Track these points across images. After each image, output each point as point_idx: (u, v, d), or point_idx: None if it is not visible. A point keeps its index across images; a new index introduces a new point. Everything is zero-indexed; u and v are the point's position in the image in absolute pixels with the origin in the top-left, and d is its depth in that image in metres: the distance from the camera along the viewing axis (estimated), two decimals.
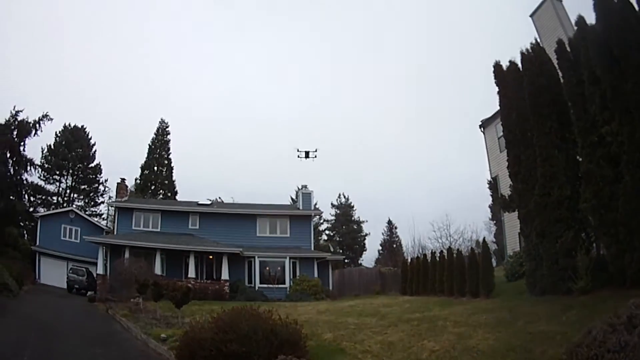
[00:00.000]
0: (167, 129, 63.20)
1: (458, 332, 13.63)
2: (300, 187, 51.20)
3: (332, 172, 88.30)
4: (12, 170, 42.39)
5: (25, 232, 47.25)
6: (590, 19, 15.50)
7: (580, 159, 16.03)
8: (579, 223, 16.10)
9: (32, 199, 53.45)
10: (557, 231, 16.31)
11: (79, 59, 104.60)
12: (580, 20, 15.96)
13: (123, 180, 44.05)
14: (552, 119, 17.41)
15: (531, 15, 26.03)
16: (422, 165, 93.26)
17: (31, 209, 50.84)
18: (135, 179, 59.09)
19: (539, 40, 20.61)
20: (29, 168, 44.37)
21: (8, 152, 41.21)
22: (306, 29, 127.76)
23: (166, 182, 60.51)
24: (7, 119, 41.56)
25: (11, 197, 42.33)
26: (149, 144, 61.92)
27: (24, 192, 48.69)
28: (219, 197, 56.44)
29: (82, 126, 60.01)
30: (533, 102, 18.15)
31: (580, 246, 15.86)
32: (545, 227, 16.83)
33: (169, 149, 62.69)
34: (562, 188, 16.50)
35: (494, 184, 33.51)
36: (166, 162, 61.77)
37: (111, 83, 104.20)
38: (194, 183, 75.68)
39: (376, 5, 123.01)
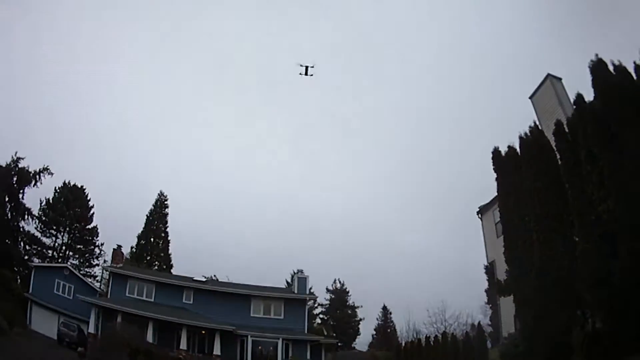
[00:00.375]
0: (165, 202, 63.39)
1: None
2: (296, 272, 50.97)
3: (328, 257, 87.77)
4: (9, 215, 42.29)
5: (18, 277, 46.08)
6: (590, 94, 15.90)
7: (577, 239, 16.02)
8: (575, 301, 15.84)
9: (27, 247, 52.14)
10: (553, 312, 16.02)
11: (87, 120, 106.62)
12: (579, 98, 16.30)
13: (120, 247, 44.26)
14: (549, 202, 17.43)
15: (530, 97, 26.10)
16: (419, 252, 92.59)
17: (26, 257, 50.05)
18: (131, 247, 58.83)
19: (538, 121, 20.96)
20: (26, 216, 44.40)
21: (7, 196, 41.33)
22: (310, 120, 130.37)
23: (162, 254, 60.05)
24: (8, 163, 41.85)
25: (7, 241, 42.08)
26: (147, 215, 61.79)
27: (20, 239, 48.11)
28: (214, 275, 56.23)
29: (82, 186, 59.80)
30: (531, 187, 18.29)
31: (576, 323, 15.64)
32: (541, 308, 16.58)
33: (166, 222, 62.53)
34: (559, 269, 16.25)
35: (490, 269, 33.32)
36: (163, 235, 61.45)
37: (115, 149, 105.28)
38: (189, 258, 75.10)
39: (374, 89, 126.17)
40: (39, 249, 55.18)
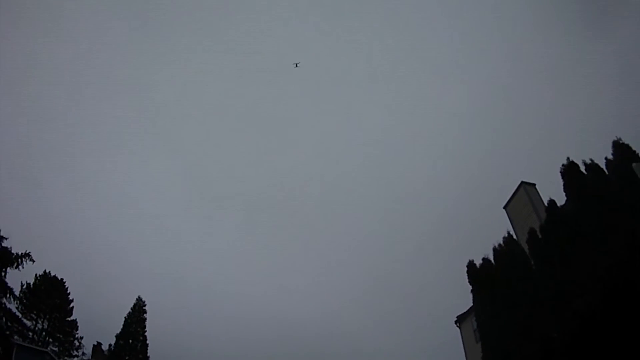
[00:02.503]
0: (144, 307, 63.88)
1: None
2: None
3: None
4: None
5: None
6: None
7: (555, 335, 16.43)
8: None
9: (9, 323, 51.01)
10: None
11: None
12: (551, 204, 17.67)
13: (100, 344, 44.25)
14: (523, 309, 18.08)
15: (505, 207, 26.66)
16: None
17: (7, 332, 48.83)
18: (110, 345, 58.48)
19: (512, 229, 22.15)
20: (8, 295, 43.98)
21: None
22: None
23: (140, 356, 59.58)
24: None
25: None
26: (125, 317, 61.78)
27: (1, 314, 47.37)
28: None
29: (62, 279, 60.09)
30: (506, 294, 19.13)
31: None
32: None
33: (144, 326, 62.57)
34: None
35: None
36: (141, 338, 61.16)
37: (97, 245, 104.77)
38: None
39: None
40: (19, 328, 53.96)
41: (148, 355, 60.82)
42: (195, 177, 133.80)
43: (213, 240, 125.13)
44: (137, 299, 64.28)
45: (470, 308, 27.83)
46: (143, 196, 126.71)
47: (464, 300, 27.05)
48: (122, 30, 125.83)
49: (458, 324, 32.25)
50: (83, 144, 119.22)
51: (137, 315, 63.05)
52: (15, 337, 51.03)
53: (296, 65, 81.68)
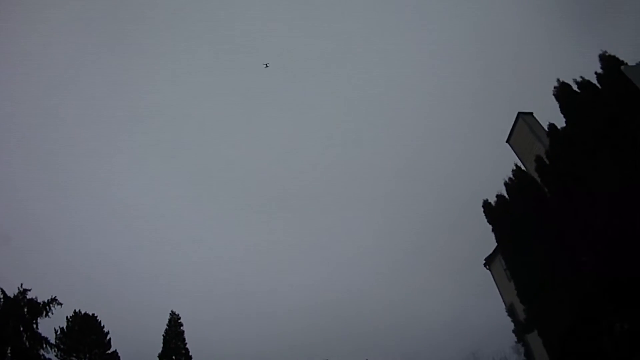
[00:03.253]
0: (179, 321, 63.70)
1: None
2: None
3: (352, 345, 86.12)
4: (27, 343, 42.34)
5: None
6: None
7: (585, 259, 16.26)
8: (597, 309, 16.06)
9: None
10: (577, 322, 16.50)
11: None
12: (552, 128, 17.56)
13: None
14: (546, 238, 18.02)
15: (507, 141, 25.75)
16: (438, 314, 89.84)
17: None
18: None
19: (520, 161, 21.91)
20: (44, 345, 44.25)
21: (21, 326, 41.51)
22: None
23: None
24: (16, 295, 42.27)
25: None
26: (163, 335, 61.85)
27: None
28: None
29: (93, 314, 59.63)
30: (525, 226, 19.00)
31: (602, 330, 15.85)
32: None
33: (184, 339, 62.49)
34: (571, 290, 16.63)
35: (511, 311, 33.28)
36: (183, 351, 61.31)
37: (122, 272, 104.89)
38: None
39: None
40: None
41: None
42: (196, 177, 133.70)
43: (214, 240, 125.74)
44: (170, 313, 63.48)
45: (496, 248, 27.74)
46: (142, 197, 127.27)
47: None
48: (122, 31, 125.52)
49: (487, 266, 31.88)
50: (82, 144, 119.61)
51: (174, 329, 62.77)
52: None
53: (266, 66, 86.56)
